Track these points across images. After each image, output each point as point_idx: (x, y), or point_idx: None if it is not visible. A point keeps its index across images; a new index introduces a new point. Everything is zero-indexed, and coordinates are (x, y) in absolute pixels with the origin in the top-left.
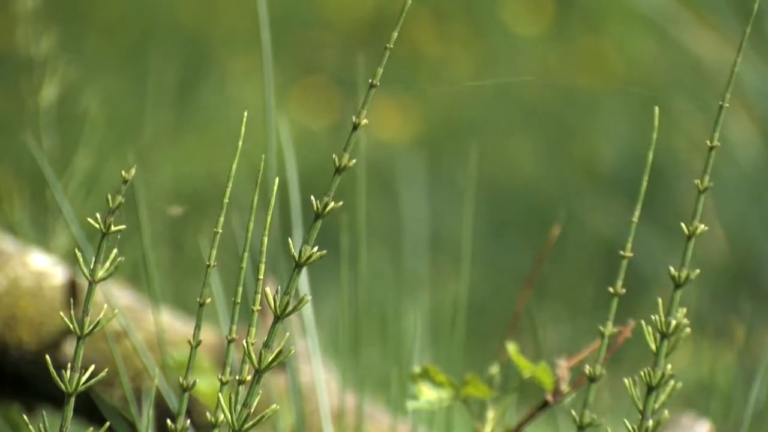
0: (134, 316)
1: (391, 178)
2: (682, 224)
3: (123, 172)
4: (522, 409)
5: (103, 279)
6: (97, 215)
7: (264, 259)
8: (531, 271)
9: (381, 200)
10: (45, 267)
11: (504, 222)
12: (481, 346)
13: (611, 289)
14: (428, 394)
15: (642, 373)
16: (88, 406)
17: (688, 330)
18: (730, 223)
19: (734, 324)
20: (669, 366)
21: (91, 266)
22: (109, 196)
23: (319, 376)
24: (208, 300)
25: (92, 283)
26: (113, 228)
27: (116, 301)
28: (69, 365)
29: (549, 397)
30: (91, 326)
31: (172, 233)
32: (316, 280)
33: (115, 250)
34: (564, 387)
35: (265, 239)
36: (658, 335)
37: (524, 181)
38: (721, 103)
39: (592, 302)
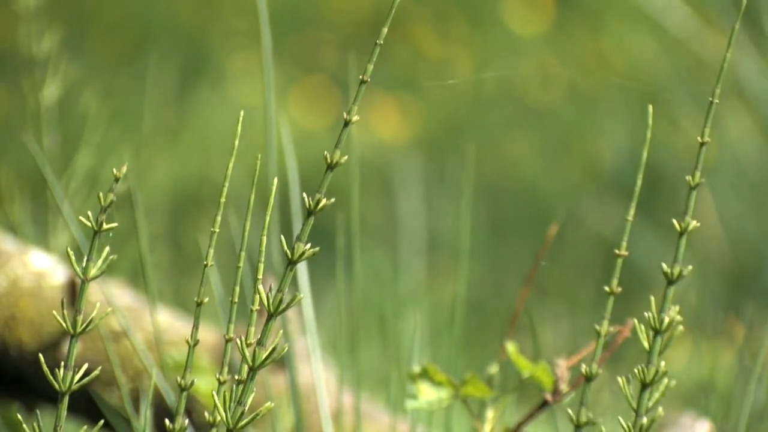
0: (134, 316)
1: (390, 178)
2: (674, 221)
3: (114, 170)
4: (521, 408)
5: (96, 277)
6: (89, 213)
7: (263, 259)
8: (530, 270)
9: (381, 199)
10: (45, 267)
11: (503, 221)
12: (481, 345)
13: (607, 288)
14: (427, 394)
15: (635, 371)
16: (88, 406)
17: (681, 327)
18: (731, 222)
19: (734, 324)
20: (663, 363)
21: (84, 264)
22: (101, 195)
23: (319, 376)
24: (206, 299)
25: (84, 281)
26: (105, 226)
27: (116, 300)
28: (62, 364)
29: (548, 397)
30: (84, 324)
31: (172, 232)
32: (317, 279)
33: (107, 248)
34: (563, 386)
35: (264, 239)
36: (651, 332)
37: (524, 181)
38: (711, 99)
39: (591, 301)
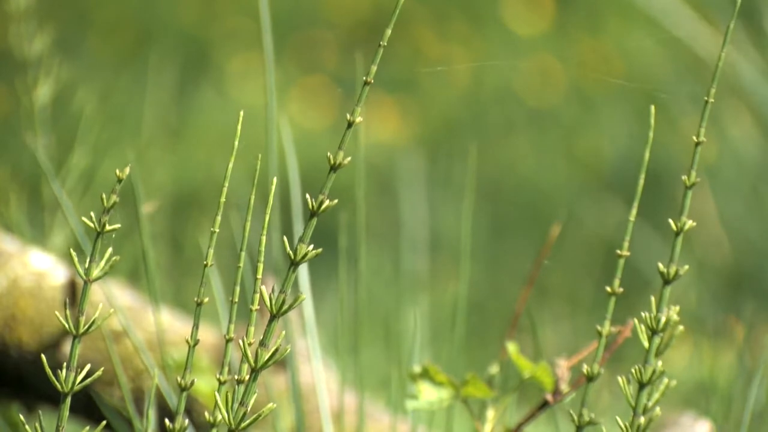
0: (134, 316)
1: (391, 178)
2: (670, 220)
3: (117, 171)
4: (522, 408)
5: (99, 278)
6: (91, 214)
7: (262, 259)
8: (531, 271)
9: (381, 200)
10: (45, 267)
11: (504, 222)
12: (481, 345)
13: (609, 289)
14: (428, 394)
15: (633, 371)
16: (89, 406)
17: (680, 327)
18: (731, 222)
19: (734, 324)
20: (660, 363)
21: (86, 265)
22: (104, 195)
23: (320, 376)
24: (206, 299)
25: (87, 282)
26: (108, 227)
27: (116, 300)
28: (65, 364)
29: (549, 397)
30: (86, 325)
31: (173, 233)
32: (317, 279)
33: (110, 249)
34: (564, 386)
35: (263, 239)
36: (649, 332)
37: (524, 181)
38: (706, 98)
39: (592, 301)
